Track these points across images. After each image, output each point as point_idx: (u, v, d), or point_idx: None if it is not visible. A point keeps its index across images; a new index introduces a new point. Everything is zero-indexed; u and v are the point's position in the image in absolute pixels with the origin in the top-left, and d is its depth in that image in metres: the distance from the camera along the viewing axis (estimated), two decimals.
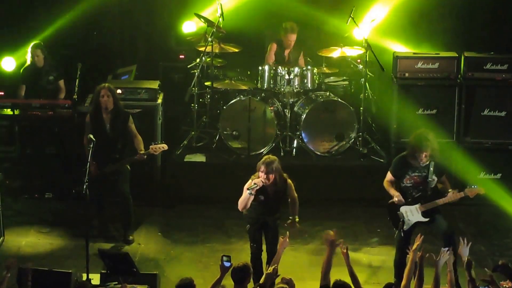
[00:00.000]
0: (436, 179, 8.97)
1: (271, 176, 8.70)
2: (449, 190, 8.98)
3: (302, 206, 9.08)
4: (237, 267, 7.48)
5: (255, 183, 8.66)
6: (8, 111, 11.25)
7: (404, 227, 8.96)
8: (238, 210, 9.03)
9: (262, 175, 8.69)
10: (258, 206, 8.84)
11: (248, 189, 8.68)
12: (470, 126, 11.39)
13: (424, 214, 8.96)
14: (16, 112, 11.21)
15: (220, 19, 11.71)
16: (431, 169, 8.90)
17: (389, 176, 9.11)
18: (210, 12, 12.39)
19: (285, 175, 8.90)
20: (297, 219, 8.95)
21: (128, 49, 13.11)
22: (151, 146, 10.07)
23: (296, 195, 8.97)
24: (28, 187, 11.39)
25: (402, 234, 8.97)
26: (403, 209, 8.95)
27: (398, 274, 9.08)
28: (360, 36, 11.67)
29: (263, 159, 8.78)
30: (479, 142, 11.40)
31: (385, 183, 9.10)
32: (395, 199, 8.91)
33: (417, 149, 8.81)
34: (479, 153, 11.38)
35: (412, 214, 8.94)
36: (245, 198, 8.73)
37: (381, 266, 9.71)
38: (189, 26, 12.71)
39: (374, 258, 9.69)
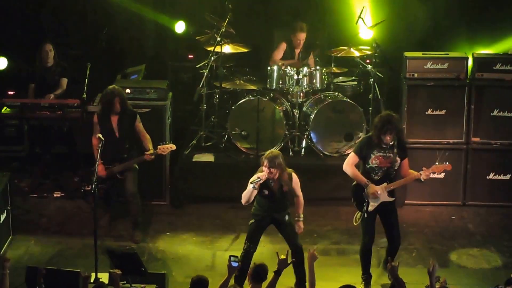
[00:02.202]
0: (399, 160, 9.02)
1: (274, 171, 8.70)
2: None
3: (310, 206, 9.06)
4: (258, 265, 7.50)
5: (258, 177, 8.68)
6: (17, 111, 11.27)
7: (369, 208, 8.99)
8: (247, 210, 9.03)
9: (265, 169, 8.70)
10: (264, 202, 8.83)
11: (251, 182, 8.68)
12: (479, 127, 11.34)
13: (389, 194, 9.02)
14: (25, 111, 11.23)
15: (229, 17, 11.69)
16: (395, 150, 8.96)
17: (352, 158, 9.09)
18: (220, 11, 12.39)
19: (290, 170, 8.89)
20: (301, 218, 8.95)
21: (137, 48, 13.11)
22: (159, 146, 10.08)
23: (301, 193, 8.96)
24: (37, 186, 11.41)
25: (366, 215, 9.01)
26: (372, 185, 8.98)
27: (366, 267, 9.15)
28: (368, 36, 11.68)
29: (266, 154, 8.80)
30: (488, 143, 11.35)
31: (349, 167, 9.08)
32: (373, 190, 8.92)
33: (382, 132, 8.87)
34: (488, 153, 11.35)
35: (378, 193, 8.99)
36: (248, 191, 8.74)
37: None
38: (181, 27, 12.66)
39: (383, 258, 9.65)
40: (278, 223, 8.94)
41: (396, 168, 9.03)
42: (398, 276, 7.31)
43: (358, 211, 9.10)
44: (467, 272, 9.67)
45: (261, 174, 8.70)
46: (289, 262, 7.64)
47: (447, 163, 9.17)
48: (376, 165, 8.99)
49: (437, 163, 9.08)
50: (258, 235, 8.96)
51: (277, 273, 7.52)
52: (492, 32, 12.48)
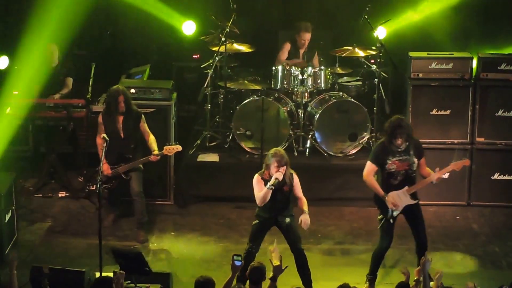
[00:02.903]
0: (416, 161, 9.03)
1: (285, 168, 8.72)
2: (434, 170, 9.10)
3: (314, 206, 9.06)
4: (255, 266, 7.50)
5: (276, 178, 8.67)
6: (22, 111, 11.29)
7: (394, 213, 8.98)
8: (251, 209, 9.03)
9: (281, 169, 8.69)
10: (267, 203, 8.80)
11: (272, 185, 8.64)
12: (484, 127, 11.32)
13: (412, 196, 9.01)
14: (30, 111, 11.25)
15: (233, 17, 11.70)
16: (411, 152, 8.97)
17: (370, 166, 9.08)
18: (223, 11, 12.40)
19: (291, 170, 8.90)
20: (306, 211, 8.83)
21: (142, 49, 13.13)
22: (165, 147, 10.10)
23: (303, 196, 8.91)
24: (42, 186, 11.43)
25: (392, 221, 8.99)
26: (391, 195, 8.96)
27: (374, 269, 9.13)
28: (376, 35, 11.69)
29: (273, 153, 8.78)
30: (493, 143, 11.34)
31: (368, 177, 9.07)
32: (390, 205, 8.94)
33: (393, 136, 8.91)
34: (492, 153, 11.33)
35: (400, 198, 8.96)
36: (265, 193, 8.70)
37: (395, 267, 9.68)
38: (190, 27, 12.67)
39: (388, 259, 9.65)
40: (280, 225, 8.92)
41: (414, 169, 9.03)
42: (427, 271, 7.34)
43: (380, 215, 9.06)
44: (472, 272, 9.66)
45: (279, 175, 8.69)
46: (283, 268, 7.64)
47: (465, 158, 9.18)
48: (394, 170, 8.98)
49: (454, 160, 9.09)
50: (261, 237, 8.95)
51: (273, 280, 7.53)
52: (498, 32, 12.49)
